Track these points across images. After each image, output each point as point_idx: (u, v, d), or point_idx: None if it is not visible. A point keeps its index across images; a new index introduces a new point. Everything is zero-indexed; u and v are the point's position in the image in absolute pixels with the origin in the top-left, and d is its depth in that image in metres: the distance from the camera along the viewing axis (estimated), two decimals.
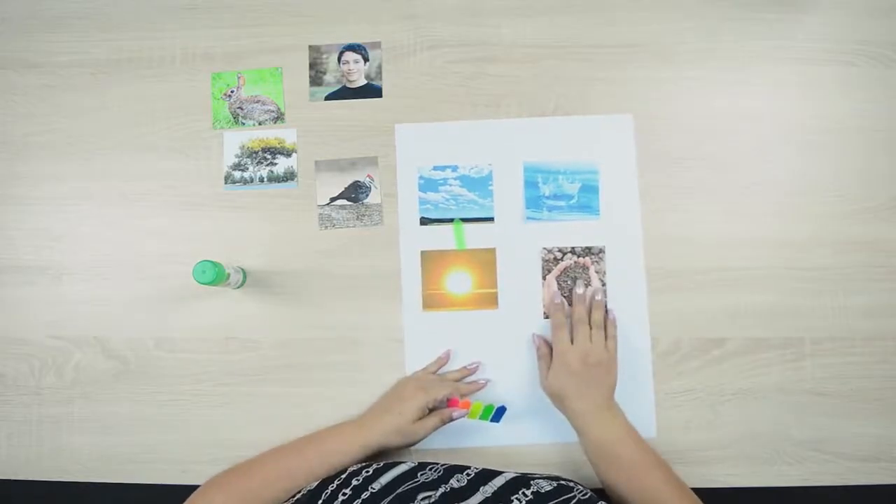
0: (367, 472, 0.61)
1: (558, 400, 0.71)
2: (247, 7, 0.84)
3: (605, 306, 0.76)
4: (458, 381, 0.76)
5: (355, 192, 0.81)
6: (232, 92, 0.83)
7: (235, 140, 0.82)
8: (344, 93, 0.83)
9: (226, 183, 0.82)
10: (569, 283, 0.78)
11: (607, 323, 0.74)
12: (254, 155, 0.82)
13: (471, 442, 0.76)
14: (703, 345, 0.77)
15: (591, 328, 0.73)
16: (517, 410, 0.76)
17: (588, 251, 0.79)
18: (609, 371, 0.71)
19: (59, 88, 0.83)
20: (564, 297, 0.77)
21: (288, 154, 0.82)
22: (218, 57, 0.83)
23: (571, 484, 0.58)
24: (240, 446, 0.74)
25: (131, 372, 0.79)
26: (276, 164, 0.82)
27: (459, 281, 0.79)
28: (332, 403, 0.77)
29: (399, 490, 0.57)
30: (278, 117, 0.83)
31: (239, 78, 0.83)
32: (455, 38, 0.83)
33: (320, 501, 0.57)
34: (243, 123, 0.83)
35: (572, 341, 0.72)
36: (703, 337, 0.77)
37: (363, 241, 0.80)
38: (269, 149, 0.82)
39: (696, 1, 0.82)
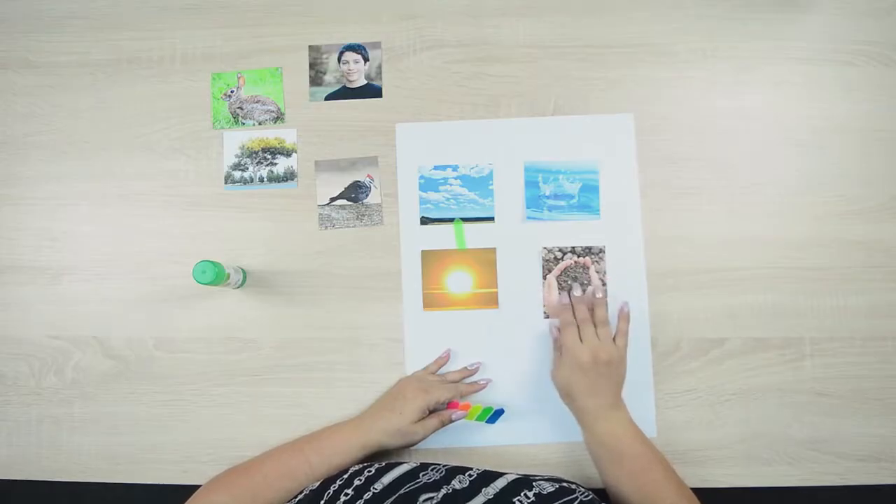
0: (370, 471, 0.61)
1: (566, 395, 0.71)
2: (247, 7, 0.84)
3: (607, 304, 0.75)
4: (458, 381, 0.76)
5: (355, 192, 0.81)
6: (232, 92, 0.83)
7: (235, 140, 0.82)
8: (344, 93, 0.83)
9: (226, 183, 0.82)
10: (569, 282, 0.78)
11: (620, 318, 0.74)
12: (254, 155, 0.82)
13: (471, 441, 0.76)
14: (703, 345, 0.77)
15: (595, 326, 0.72)
16: (517, 410, 0.76)
17: (588, 251, 0.79)
18: (618, 369, 0.70)
19: (59, 88, 0.83)
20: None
21: (288, 154, 0.82)
22: (218, 57, 0.83)
23: (573, 486, 0.58)
24: (240, 446, 0.75)
25: (131, 372, 0.79)
26: (276, 164, 0.81)
27: (460, 280, 0.79)
28: (332, 403, 0.77)
29: (401, 491, 0.57)
30: (278, 117, 0.83)
31: (239, 78, 0.83)
32: (455, 38, 0.83)
33: (323, 501, 0.57)
34: (243, 123, 0.83)
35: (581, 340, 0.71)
36: (703, 337, 0.77)
37: (363, 241, 0.80)
38: (269, 149, 0.82)
39: (696, 1, 0.82)
